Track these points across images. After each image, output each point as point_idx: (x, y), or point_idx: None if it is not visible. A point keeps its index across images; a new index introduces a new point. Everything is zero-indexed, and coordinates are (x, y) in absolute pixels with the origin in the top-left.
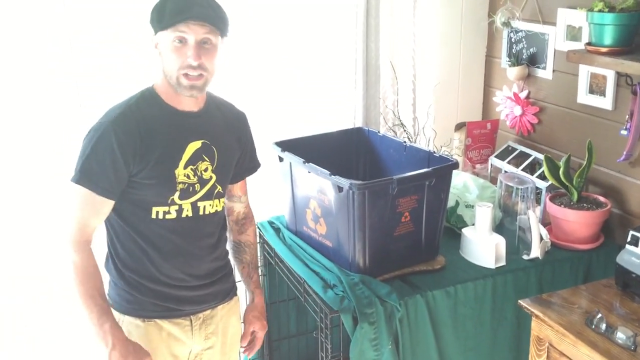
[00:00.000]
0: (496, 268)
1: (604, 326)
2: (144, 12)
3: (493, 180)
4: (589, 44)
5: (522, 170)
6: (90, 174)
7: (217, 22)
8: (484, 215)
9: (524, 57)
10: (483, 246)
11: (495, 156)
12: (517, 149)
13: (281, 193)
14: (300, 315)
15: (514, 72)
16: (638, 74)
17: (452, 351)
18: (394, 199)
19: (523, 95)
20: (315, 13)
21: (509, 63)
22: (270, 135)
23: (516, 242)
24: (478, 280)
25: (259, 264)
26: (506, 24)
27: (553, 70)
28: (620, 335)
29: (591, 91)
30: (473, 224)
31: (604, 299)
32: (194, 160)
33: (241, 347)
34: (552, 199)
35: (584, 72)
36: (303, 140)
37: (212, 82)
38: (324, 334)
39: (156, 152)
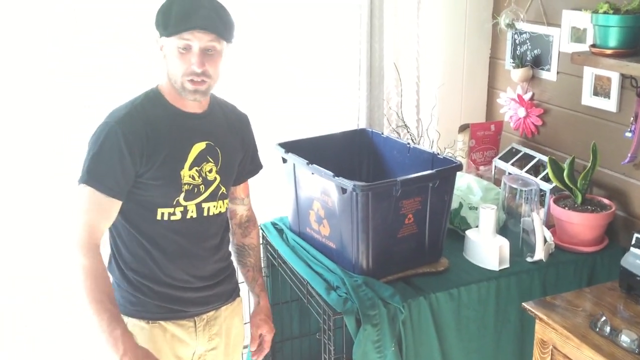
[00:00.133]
0: (500, 270)
1: (608, 329)
2: (144, 12)
3: (497, 182)
4: (593, 45)
5: (526, 172)
6: (97, 174)
7: (222, 30)
8: (487, 217)
9: (528, 58)
10: (487, 248)
11: (499, 158)
12: (521, 151)
13: (284, 194)
14: (303, 317)
15: (518, 74)
16: None
17: (456, 353)
18: (398, 200)
19: (527, 97)
20: (318, 14)
21: (513, 65)
22: (274, 136)
23: (520, 244)
24: (482, 282)
25: (262, 265)
26: (510, 25)
27: (557, 72)
28: (625, 339)
29: (596, 93)
30: (477, 226)
31: (608, 302)
32: (198, 161)
33: (250, 351)
34: (556, 201)
35: (589, 74)
36: (307, 142)
37: (216, 85)
38: (327, 336)
39: (162, 152)
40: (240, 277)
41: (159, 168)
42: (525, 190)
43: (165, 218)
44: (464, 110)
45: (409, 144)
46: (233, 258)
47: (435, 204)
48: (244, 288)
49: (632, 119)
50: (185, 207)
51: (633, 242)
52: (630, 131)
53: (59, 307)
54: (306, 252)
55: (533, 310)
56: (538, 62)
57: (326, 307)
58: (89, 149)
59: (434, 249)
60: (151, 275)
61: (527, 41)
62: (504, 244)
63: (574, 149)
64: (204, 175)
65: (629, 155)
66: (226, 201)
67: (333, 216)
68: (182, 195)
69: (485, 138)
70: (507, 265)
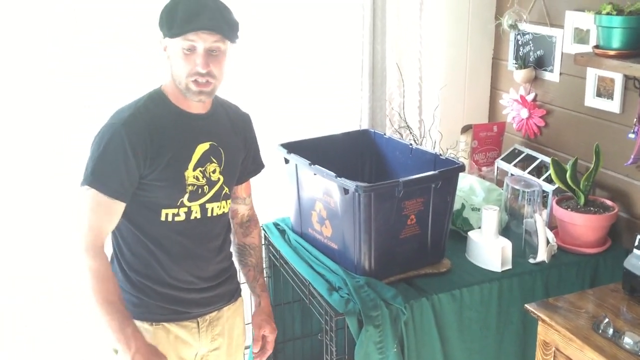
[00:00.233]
0: (502, 271)
1: (611, 331)
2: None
3: (499, 183)
4: (596, 46)
5: (529, 173)
6: (102, 176)
7: (226, 30)
8: (490, 218)
9: (531, 59)
10: (489, 249)
11: (502, 159)
12: (523, 152)
13: (287, 195)
14: (305, 318)
15: (520, 75)
16: None
17: (458, 355)
18: (400, 201)
19: (530, 98)
20: (321, 15)
21: (516, 66)
22: (276, 136)
23: (522, 245)
24: (484, 283)
25: (264, 266)
26: (513, 26)
27: (560, 73)
28: (628, 340)
29: (599, 94)
30: (479, 227)
31: (611, 304)
32: (202, 162)
33: (253, 352)
34: (558, 203)
35: (592, 75)
36: (309, 142)
37: (220, 86)
38: (329, 337)
39: (167, 154)
40: (241, 277)
41: (163, 169)
42: (527, 192)
43: (169, 219)
44: (467, 111)
45: (411, 144)
46: (234, 258)
47: (437, 205)
48: (245, 288)
49: (635, 120)
50: (189, 207)
51: (636, 243)
52: (634, 132)
53: (59, 307)
54: (308, 253)
55: (535, 312)
56: (541, 63)
57: (328, 308)
58: (92, 150)
59: (436, 250)
60: (154, 277)
61: (530, 42)
62: (507, 245)
63: (577, 150)
64: (207, 175)
65: (632, 156)
66: (229, 201)
67: (335, 217)
68: (186, 196)
69: (488, 139)
70: (509, 266)
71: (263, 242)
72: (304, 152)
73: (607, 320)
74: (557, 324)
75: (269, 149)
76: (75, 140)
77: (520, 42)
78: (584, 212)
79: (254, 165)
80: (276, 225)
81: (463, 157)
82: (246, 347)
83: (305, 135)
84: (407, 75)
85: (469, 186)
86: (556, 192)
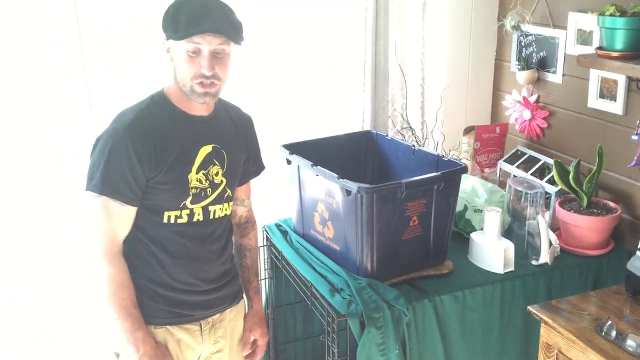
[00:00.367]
0: (505, 273)
1: (614, 333)
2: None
3: (502, 185)
4: (599, 48)
5: (531, 174)
6: (111, 183)
7: (231, 33)
8: (492, 219)
9: (533, 61)
10: (491, 251)
11: (504, 160)
12: (526, 154)
13: (289, 196)
14: (306, 319)
15: (523, 76)
16: None
17: (460, 356)
18: (402, 203)
19: (532, 99)
20: (324, 16)
21: (519, 67)
22: (279, 137)
23: (525, 247)
24: (486, 285)
25: (266, 267)
26: (516, 27)
27: (563, 75)
28: (631, 343)
29: (602, 96)
30: (481, 229)
31: (614, 306)
32: (205, 164)
33: (244, 356)
34: (561, 204)
35: (595, 76)
36: (311, 143)
37: (224, 88)
38: (331, 338)
39: (170, 156)
40: None
41: (167, 172)
42: (530, 193)
43: (172, 221)
44: (469, 113)
45: (413, 146)
46: None
47: (440, 206)
48: None
49: (638, 121)
50: (191, 210)
51: (639, 245)
52: (637, 134)
53: (59, 307)
54: (310, 254)
55: (538, 314)
56: (544, 65)
57: (330, 309)
58: (97, 156)
59: (438, 251)
60: (158, 279)
61: (533, 43)
62: (509, 246)
63: (580, 151)
64: (210, 178)
65: (635, 158)
66: (231, 203)
67: (337, 218)
68: (190, 198)
69: (490, 140)
70: (512, 268)
71: (265, 243)
72: (306, 153)
73: (610, 322)
74: (559, 326)
75: (271, 149)
76: (75, 140)
77: (523, 43)
78: (586, 213)
79: (255, 166)
80: (278, 226)
81: (465, 158)
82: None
83: (307, 136)
84: (410, 76)
85: (472, 187)
86: (559, 193)
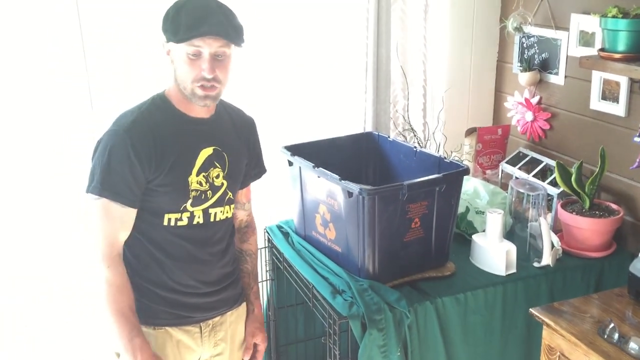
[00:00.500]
0: (507, 275)
1: (616, 336)
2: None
3: (504, 186)
4: (602, 49)
5: (533, 176)
6: (111, 185)
7: (232, 35)
8: (494, 221)
9: (535, 62)
10: (493, 253)
11: (506, 162)
12: (528, 155)
13: (290, 197)
14: (308, 321)
15: (525, 78)
16: None
17: (462, 359)
18: (404, 204)
19: (534, 100)
20: (326, 18)
21: (521, 68)
22: (280, 139)
23: (527, 249)
24: (488, 287)
25: (267, 268)
26: (518, 29)
27: (565, 76)
28: (633, 346)
29: (604, 97)
30: (483, 231)
31: (617, 308)
32: (206, 167)
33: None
34: (563, 206)
35: (597, 78)
36: (313, 145)
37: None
38: (332, 340)
39: (170, 159)
40: None
41: (167, 175)
42: (532, 195)
43: (172, 223)
44: (471, 114)
45: (415, 147)
46: None
47: (441, 208)
48: None
49: None
50: (192, 212)
51: None
52: (639, 136)
53: (59, 307)
54: (312, 256)
55: (540, 316)
56: (546, 66)
57: (332, 311)
58: (97, 158)
59: (440, 253)
60: (157, 281)
61: (535, 45)
62: (511, 248)
63: (582, 153)
64: (211, 180)
65: (638, 160)
66: (232, 206)
67: (339, 220)
68: (190, 201)
69: (492, 142)
70: (514, 270)
71: (266, 245)
72: (307, 154)
73: (612, 325)
74: (562, 328)
75: (273, 151)
76: (75, 140)
77: (525, 45)
78: (589, 215)
79: (257, 169)
80: (280, 227)
81: (467, 160)
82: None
83: (309, 137)
84: (412, 77)
85: (473, 189)
86: (561, 195)
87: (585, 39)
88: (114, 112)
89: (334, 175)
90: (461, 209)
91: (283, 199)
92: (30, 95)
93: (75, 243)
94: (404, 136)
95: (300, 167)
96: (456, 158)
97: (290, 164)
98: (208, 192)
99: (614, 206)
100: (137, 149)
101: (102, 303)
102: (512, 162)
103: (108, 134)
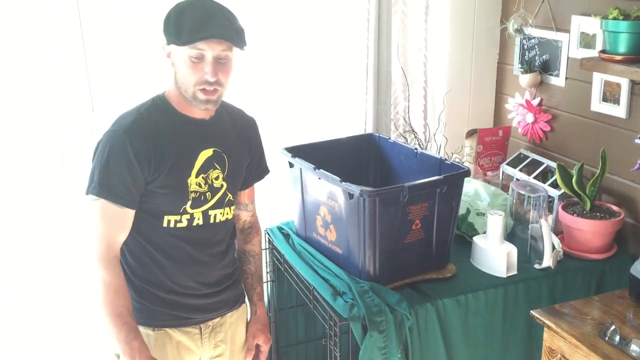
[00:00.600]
0: (507, 277)
1: (617, 338)
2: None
3: (504, 188)
4: (603, 51)
5: (534, 178)
6: (109, 186)
7: (236, 38)
8: (495, 223)
9: (536, 64)
10: (494, 255)
11: (507, 164)
12: (529, 157)
13: (291, 199)
14: (308, 322)
15: (526, 79)
16: None
17: None
18: (405, 206)
19: (535, 102)
20: (326, 19)
21: (522, 70)
22: (281, 140)
23: (528, 251)
24: (489, 289)
25: (268, 270)
26: (519, 30)
27: (566, 78)
28: (635, 348)
29: (605, 99)
30: (484, 232)
31: (618, 310)
32: (205, 168)
33: None
34: (564, 208)
35: (598, 79)
36: (313, 146)
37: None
38: (333, 342)
39: (170, 160)
40: None
41: (166, 176)
42: (533, 197)
43: (172, 225)
44: (472, 116)
45: (416, 149)
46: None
47: (442, 209)
48: None
49: None
50: (191, 214)
51: None
52: None
53: (59, 307)
54: (312, 257)
55: (541, 318)
56: (546, 68)
57: (332, 312)
58: (96, 158)
59: (441, 255)
60: (157, 282)
61: (536, 46)
62: (512, 250)
63: (583, 155)
64: (210, 182)
65: (639, 162)
66: (233, 208)
67: (340, 221)
68: (189, 203)
69: (493, 143)
70: (514, 272)
71: (267, 246)
72: (308, 156)
73: (613, 327)
74: (563, 330)
75: (274, 152)
76: (75, 140)
77: (525, 47)
78: (590, 217)
79: (259, 170)
80: (280, 229)
81: (468, 161)
82: None
83: (309, 139)
84: (412, 79)
85: (474, 191)
86: (562, 197)
87: (586, 40)
88: (114, 112)
89: (335, 176)
90: (462, 210)
91: (283, 200)
92: (31, 95)
93: (75, 243)
94: (404, 138)
95: (300, 169)
96: (457, 159)
97: (291, 165)
98: (207, 194)
99: (615, 208)
100: (137, 150)
101: (99, 305)
102: (513, 164)
103: (108, 135)
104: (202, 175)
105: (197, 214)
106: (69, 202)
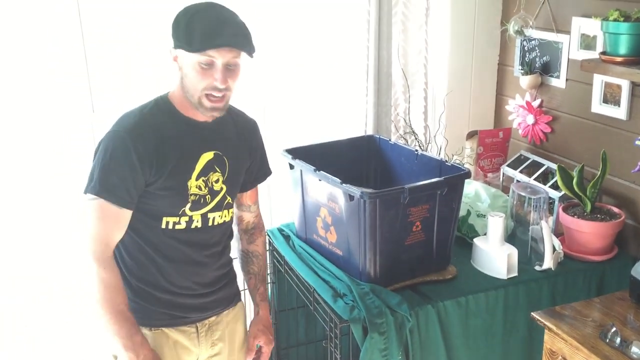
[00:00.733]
0: (508, 279)
1: (618, 340)
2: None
3: (505, 190)
4: (603, 53)
5: (535, 179)
6: (109, 185)
7: (247, 47)
8: (496, 225)
9: (537, 65)
10: (495, 256)
11: (508, 165)
12: (529, 158)
13: (291, 200)
14: (309, 324)
15: (526, 81)
16: None
17: None
18: (406, 208)
19: (536, 104)
20: (327, 20)
21: (522, 71)
22: (281, 142)
23: (528, 252)
24: (490, 291)
25: (268, 272)
26: (519, 32)
27: (566, 79)
28: (635, 350)
29: (605, 101)
30: (485, 234)
31: (618, 312)
32: (205, 171)
33: None
34: (565, 209)
35: (598, 81)
36: (314, 148)
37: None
38: (333, 344)
39: (171, 162)
40: (244, 283)
41: (167, 178)
42: (533, 198)
43: (170, 227)
44: (472, 117)
45: (416, 150)
46: (238, 264)
47: (443, 211)
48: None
49: None
50: (190, 217)
51: None
52: None
53: (59, 307)
54: (313, 259)
55: (542, 320)
56: (547, 69)
57: (333, 314)
58: (97, 158)
59: (441, 256)
60: (153, 282)
61: (536, 48)
62: (512, 252)
63: (583, 156)
64: (210, 185)
65: (639, 163)
66: (231, 210)
67: (340, 223)
68: (189, 205)
69: (494, 145)
70: (515, 273)
71: (267, 248)
72: (308, 157)
73: (614, 329)
74: (563, 332)
75: (274, 154)
76: (75, 140)
77: (526, 48)
78: (590, 219)
79: (261, 172)
80: (281, 230)
81: (469, 163)
82: None
83: (310, 140)
84: (413, 80)
85: (475, 192)
86: (562, 198)
87: (587, 42)
88: (114, 112)
89: (335, 178)
90: (462, 212)
91: (284, 202)
92: (31, 95)
93: (75, 243)
94: (405, 139)
95: (301, 170)
96: (457, 161)
97: (292, 167)
98: (207, 197)
99: (615, 209)
100: (139, 151)
101: (96, 303)
102: (514, 165)
103: (110, 135)
104: (203, 178)
105: (196, 216)
106: (69, 203)
